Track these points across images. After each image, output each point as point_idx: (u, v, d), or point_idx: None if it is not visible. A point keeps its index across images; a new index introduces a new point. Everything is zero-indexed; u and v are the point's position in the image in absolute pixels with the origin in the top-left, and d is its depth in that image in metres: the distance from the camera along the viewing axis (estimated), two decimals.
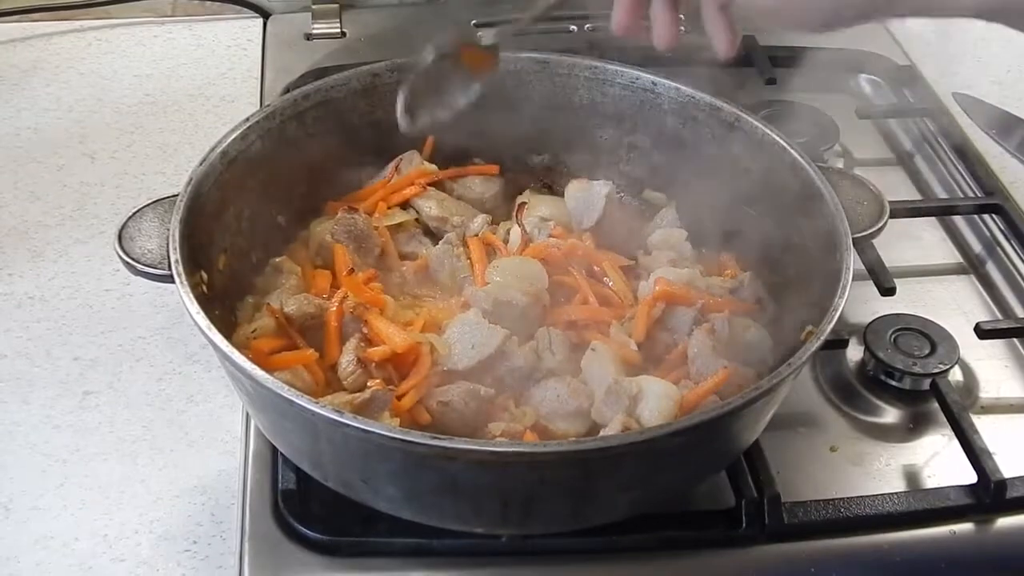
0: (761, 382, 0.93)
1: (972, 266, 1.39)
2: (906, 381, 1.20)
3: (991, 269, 1.38)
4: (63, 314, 1.29)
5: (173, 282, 0.99)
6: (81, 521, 1.07)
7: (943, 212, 1.45)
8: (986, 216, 1.43)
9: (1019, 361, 1.25)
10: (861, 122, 1.58)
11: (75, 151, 1.53)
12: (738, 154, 1.20)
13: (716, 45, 0.98)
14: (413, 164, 1.28)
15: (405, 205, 1.26)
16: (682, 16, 1.00)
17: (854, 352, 1.23)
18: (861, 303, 1.27)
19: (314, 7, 1.76)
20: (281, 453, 1.05)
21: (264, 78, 1.65)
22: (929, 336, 1.21)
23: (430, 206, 1.25)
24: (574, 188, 1.25)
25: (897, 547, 1.05)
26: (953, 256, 1.40)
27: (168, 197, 1.08)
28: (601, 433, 1.01)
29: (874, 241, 1.15)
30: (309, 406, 0.89)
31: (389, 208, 1.24)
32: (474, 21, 1.72)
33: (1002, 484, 1.06)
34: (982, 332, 1.23)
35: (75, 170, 1.49)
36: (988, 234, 1.42)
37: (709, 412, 0.92)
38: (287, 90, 1.50)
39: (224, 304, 1.09)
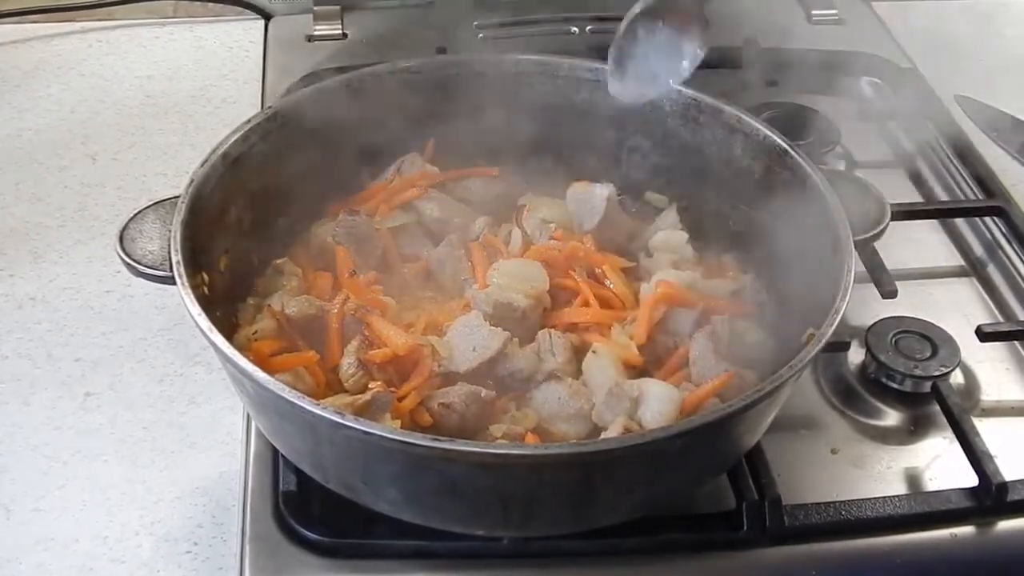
0: (762, 384, 0.93)
1: (973, 268, 1.39)
2: (907, 384, 1.19)
3: (992, 272, 1.38)
4: (64, 315, 1.29)
5: (174, 283, 0.99)
6: (82, 522, 1.07)
7: (944, 214, 1.44)
8: (987, 218, 1.43)
9: (1020, 364, 1.25)
10: (863, 124, 1.58)
11: (77, 152, 1.53)
12: (739, 156, 1.20)
13: None
14: (414, 166, 1.27)
15: (406, 207, 1.26)
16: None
17: (855, 355, 1.23)
18: (862, 306, 1.27)
19: (315, 9, 1.76)
20: (282, 455, 1.05)
21: (265, 80, 1.65)
22: (930, 339, 1.21)
23: (431, 208, 1.25)
24: (575, 190, 1.25)
25: (898, 550, 1.05)
26: (954, 259, 1.40)
27: (169, 198, 1.08)
28: (602, 435, 1.01)
29: (875, 243, 1.15)
30: (310, 408, 0.89)
31: (390, 210, 1.24)
32: (476, 23, 1.73)
33: (1003, 487, 1.06)
34: (983, 335, 1.23)
35: (76, 171, 1.50)
36: (989, 236, 1.42)
37: (710, 415, 0.93)
38: (288, 92, 1.51)
39: (225, 306, 1.09)
